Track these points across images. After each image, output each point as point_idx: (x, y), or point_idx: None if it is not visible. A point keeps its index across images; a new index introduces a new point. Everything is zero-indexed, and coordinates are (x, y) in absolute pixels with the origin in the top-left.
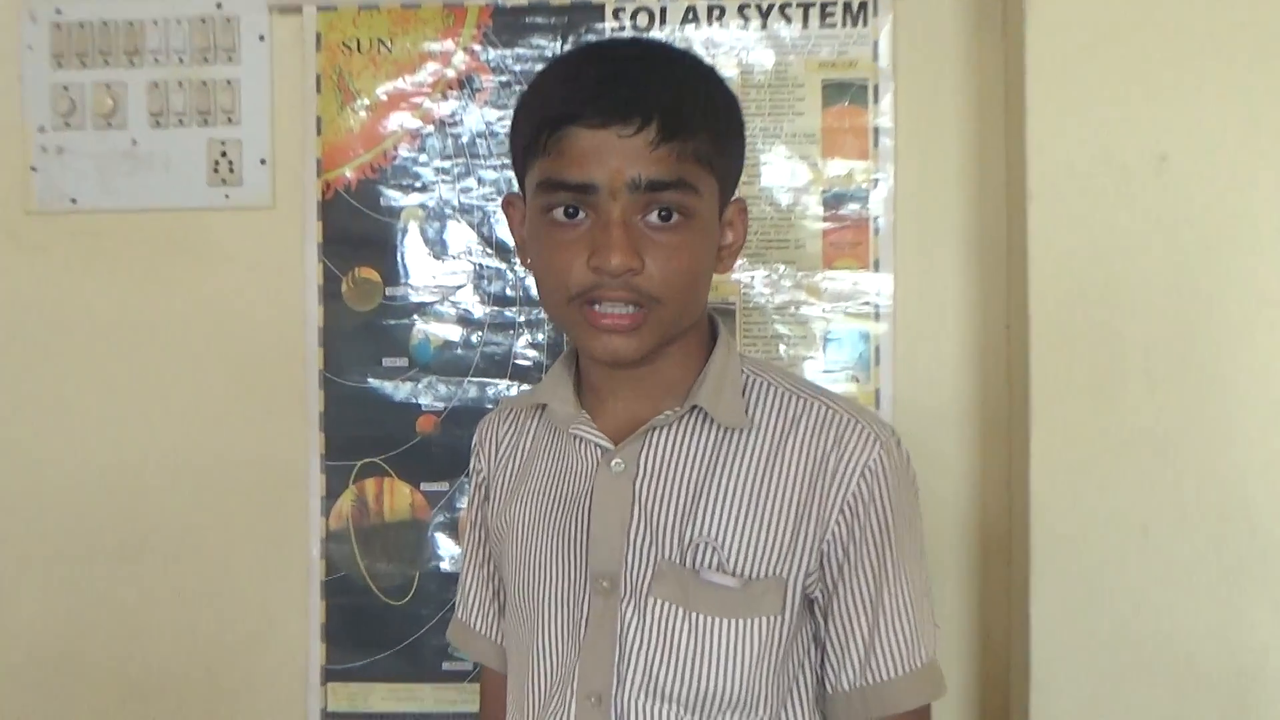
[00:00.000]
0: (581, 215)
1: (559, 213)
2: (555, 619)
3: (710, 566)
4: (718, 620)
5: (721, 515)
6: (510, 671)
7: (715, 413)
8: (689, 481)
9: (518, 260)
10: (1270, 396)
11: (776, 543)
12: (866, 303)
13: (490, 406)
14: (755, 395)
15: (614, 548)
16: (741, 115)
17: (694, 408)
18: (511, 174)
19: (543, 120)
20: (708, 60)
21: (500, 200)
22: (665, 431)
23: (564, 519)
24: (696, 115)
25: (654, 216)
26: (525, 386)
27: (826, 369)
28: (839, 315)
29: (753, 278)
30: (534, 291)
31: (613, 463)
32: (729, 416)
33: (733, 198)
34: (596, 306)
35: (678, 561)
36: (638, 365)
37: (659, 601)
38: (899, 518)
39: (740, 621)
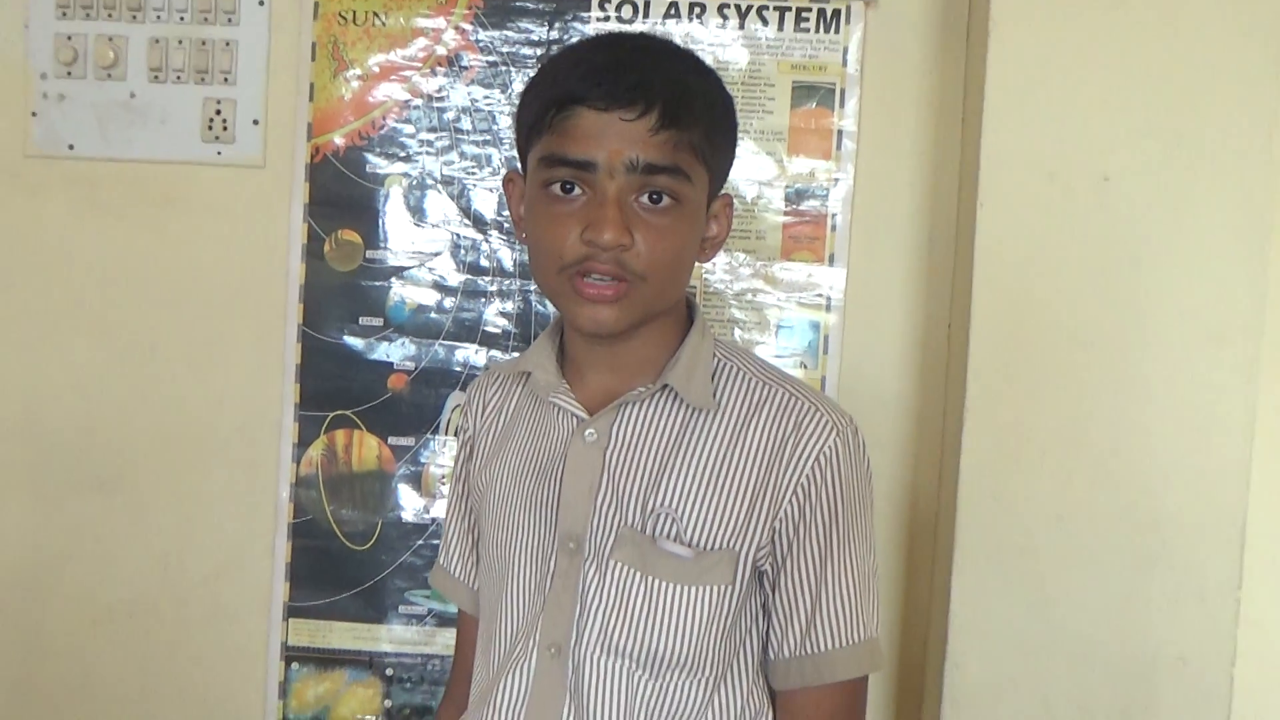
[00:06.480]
0: (578, 191)
1: (557, 187)
2: (524, 574)
3: (668, 536)
4: (672, 586)
5: (682, 489)
6: (481, 618)
7: (684, 392)
8: (655, 455)
9: (493, 232)
10: (1182, 405)
11: (732, 518)
12: (819, 294)
13: (458, 370)
14: (724, 379)
15: (582, 512)
16: (735, 115)
17: (665, 386)
18: (491, 150)
19: (551, 99)
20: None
21: (501, 177)
22: (637, 407)
23: (538, 482)
24: (696, 108)
25: (646, 198)
26: (494, 353)
27: (777, 354)
28: (792, 305)
29: (714, 264)
30: (507, 263)
31: (586, 432)
32: (697, 397)
33: (720, 192)
34: (585, 278)
35: (639, 529)
36: (617, 339)
37: (619, 565)
38: (849, 502)
39: (693, 589)
